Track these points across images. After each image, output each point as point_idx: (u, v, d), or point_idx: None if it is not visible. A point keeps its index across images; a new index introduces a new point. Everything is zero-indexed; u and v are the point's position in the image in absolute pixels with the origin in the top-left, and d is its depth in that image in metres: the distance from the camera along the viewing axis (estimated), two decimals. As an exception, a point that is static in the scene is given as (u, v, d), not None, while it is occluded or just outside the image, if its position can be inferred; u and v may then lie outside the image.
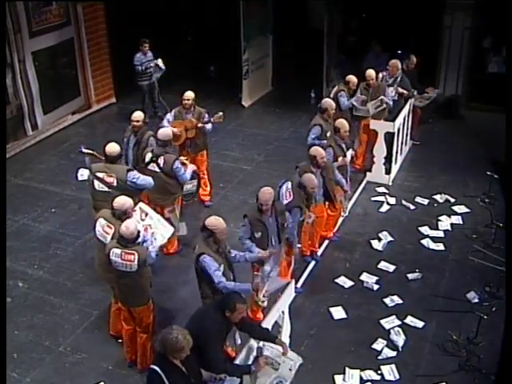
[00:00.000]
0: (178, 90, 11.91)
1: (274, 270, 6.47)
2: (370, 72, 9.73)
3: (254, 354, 5.45)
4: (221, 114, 9.06)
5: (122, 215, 6.15)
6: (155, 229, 6.36)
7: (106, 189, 7.05)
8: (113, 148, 7.19)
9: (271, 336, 5.46)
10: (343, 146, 8.18)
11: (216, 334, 5.04)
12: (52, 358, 6.53)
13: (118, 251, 5.74)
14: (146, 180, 7.14)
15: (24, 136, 11.21)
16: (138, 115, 8.20)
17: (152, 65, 11.62)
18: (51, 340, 6.76)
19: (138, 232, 5.86)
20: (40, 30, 11.20)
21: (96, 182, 7.10)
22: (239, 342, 5.82)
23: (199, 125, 8.77)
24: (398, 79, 10.10)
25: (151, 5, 13.95)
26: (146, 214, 6.48)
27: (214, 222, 5.80)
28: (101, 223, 6.27)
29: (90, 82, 12.66)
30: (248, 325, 5.44)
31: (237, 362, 5.23)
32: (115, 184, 7.03)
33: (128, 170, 7.14)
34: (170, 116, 8.97)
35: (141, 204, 6.70)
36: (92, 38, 12.47)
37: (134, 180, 7.06)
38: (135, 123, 8.15)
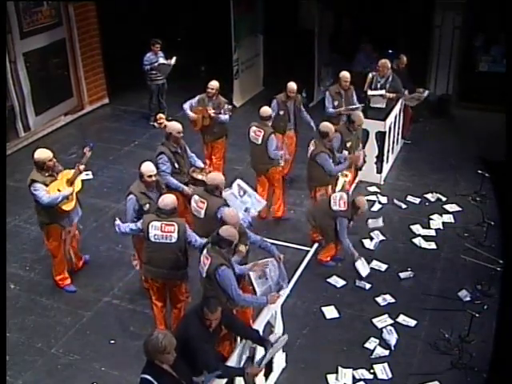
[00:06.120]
0: (169, 89, 12.01)
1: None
2: (344, 74, 9.53)
3: (247, 354, 5.47)
4: (230, 106, 9.27)
5: (214, 190, 6.62)
6: (251, 205, 7.11)
7: None
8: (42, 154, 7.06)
9: (260, 338, 5.43)
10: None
11: (201, 338, 4.97)
12: (44, 360, 6.52)
13: (158, 223, 6.00)
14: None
15: (16, 137, 11.14)
16: (152, 169, 6.81)
17: (156, 65, 11.49)
18: (43, 342, 6.75)
19: (175, 207, 6.11)
20: (31, 31, 11.14)
21: None
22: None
23: (212, 114, 8.99)
24: (390, 79, 10.03)
25: (142, 5, 13.93)
26: (245, 192, 7.20)
27: (232, 231, 5.56)
28: (195, 199, 6.74)
29: (83, 82, 12.61)
30: (237, 325, 5.44)
31: (229, 363, 5.23)
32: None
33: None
34: (194, 101, 9.21)
35: (238, 181, 7.33)
36: (84, 39, 12.41)
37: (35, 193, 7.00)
38: (153, 177, 6.79)
